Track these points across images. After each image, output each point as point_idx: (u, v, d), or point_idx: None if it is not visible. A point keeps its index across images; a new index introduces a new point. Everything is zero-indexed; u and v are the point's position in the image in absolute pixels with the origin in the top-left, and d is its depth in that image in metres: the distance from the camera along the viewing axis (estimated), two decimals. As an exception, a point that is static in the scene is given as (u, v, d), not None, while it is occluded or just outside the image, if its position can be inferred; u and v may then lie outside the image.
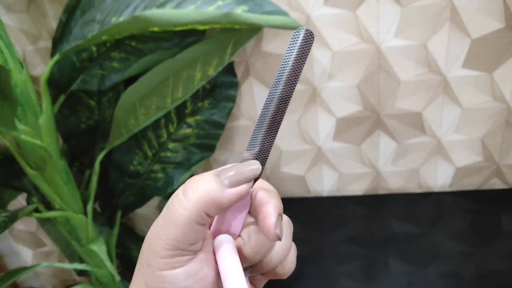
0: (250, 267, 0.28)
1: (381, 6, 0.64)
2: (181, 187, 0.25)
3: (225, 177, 0.25)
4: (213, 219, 0.27)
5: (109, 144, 0.69)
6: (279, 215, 0.25)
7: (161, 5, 0.57)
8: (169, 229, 0.24)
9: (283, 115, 0.25)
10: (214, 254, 0.27)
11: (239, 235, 0.28)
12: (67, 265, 0.73)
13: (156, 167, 0.75)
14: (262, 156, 0.26)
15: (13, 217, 0.55)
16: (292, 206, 0.83)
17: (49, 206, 0.72)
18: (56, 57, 0.60)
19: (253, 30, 0.64)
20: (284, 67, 0.25)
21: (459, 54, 0.66)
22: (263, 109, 0.25)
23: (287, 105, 0.25)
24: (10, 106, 0.54)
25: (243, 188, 0.25)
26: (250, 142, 0.26)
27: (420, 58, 0.67)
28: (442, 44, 0.66)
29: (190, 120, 0.73)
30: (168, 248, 0.24)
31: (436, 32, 0.65)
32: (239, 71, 0.73)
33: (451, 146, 0.75)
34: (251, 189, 0.26)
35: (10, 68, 0.57)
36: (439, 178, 0.79)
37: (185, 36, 0.65)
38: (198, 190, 0.24)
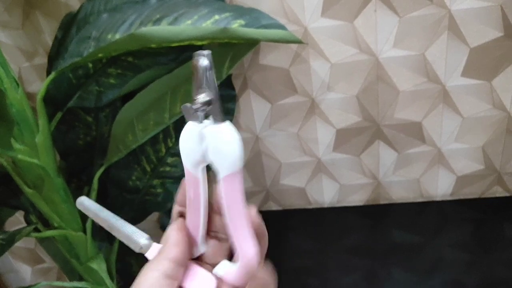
0: None
1: (379, 17, 0.63)
2: None
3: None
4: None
5: (107, 160, 0.68)
6: None
7: (157, 21, 0.56)
8: None
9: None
10: None
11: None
12: (67, 284, 0.72)
13: (155, 182, 0.75)
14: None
15: (10, 240, 0.54)
16: (293, 218, 0.82)
17: (47, 223, 0.71)
18: (52, 75, 0.59)
19: (251, 44, 0.63)
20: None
21: (458, 63, 0.66)
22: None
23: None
24: (6, 126, 0.53)
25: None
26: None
27: (419, 68, 0.67)
28: (440, 54, 0.65)
29: (188, 134, 0.72)
30: None
31: (435, 42, 0.65)
32: (237, 84, 0.72)
33: (452, 155, 0.74)
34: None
35: (5, 87, 0.56)
36: (440, 187, 0.78)
37: (182, 51, 0.65)
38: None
